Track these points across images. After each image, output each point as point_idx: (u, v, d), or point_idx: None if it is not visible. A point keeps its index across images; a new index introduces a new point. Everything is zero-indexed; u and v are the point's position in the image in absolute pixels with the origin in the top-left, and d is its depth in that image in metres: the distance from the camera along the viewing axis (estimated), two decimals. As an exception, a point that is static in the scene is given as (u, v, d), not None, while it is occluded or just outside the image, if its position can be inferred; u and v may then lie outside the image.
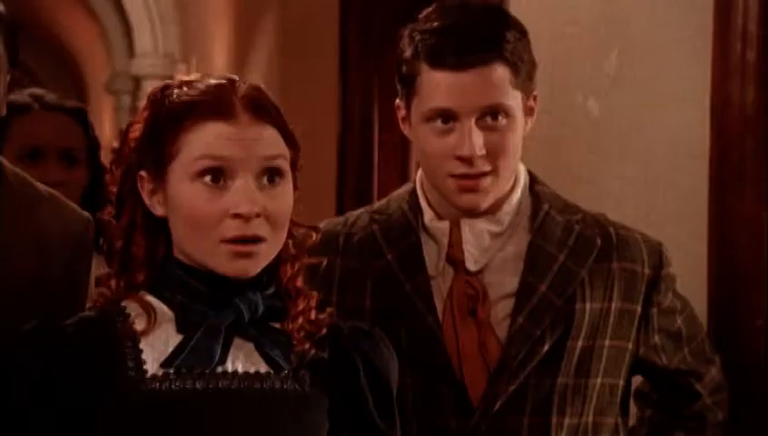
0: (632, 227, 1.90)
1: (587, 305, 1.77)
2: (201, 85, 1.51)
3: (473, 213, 1.77)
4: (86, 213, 2.00)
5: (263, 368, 1.51)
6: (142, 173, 1.53)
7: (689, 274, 2.09)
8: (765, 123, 2.03)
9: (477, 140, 1.71)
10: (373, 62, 4.06)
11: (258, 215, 1.47)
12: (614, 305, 1.79)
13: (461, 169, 1.72)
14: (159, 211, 1.53)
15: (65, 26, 11.10)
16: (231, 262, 1.48)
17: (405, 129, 1.81)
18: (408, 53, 1.76)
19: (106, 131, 10.48)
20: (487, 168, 1.73)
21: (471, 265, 1.78)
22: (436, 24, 1.74)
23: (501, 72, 1.72)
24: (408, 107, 1.78)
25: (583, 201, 2.24)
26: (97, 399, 1.48)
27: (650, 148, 2.37)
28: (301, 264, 1.57)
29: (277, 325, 1.54)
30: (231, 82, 1.52)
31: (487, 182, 1.74)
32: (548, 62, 2.65)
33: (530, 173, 1.86)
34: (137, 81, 8.33)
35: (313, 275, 1.66)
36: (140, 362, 1.50)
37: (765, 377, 2.02)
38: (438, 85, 1.72)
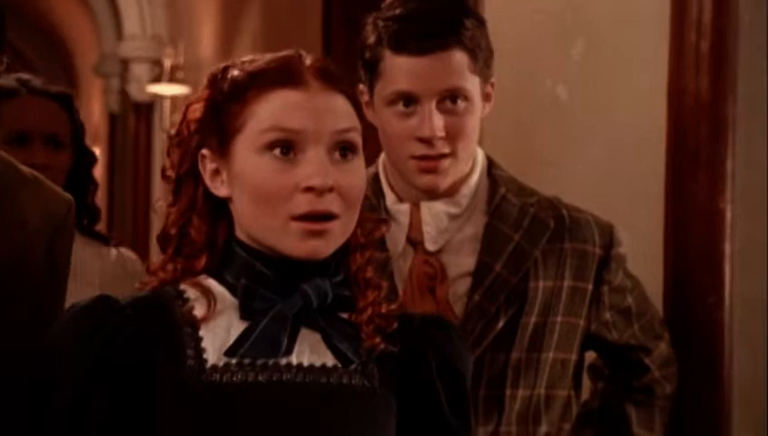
0: (585, 209, 1.96)
1: (540, 283, 1.85)
2: (265, 58, 1.44)
3: (433, 194, 1.84)
4: (68, 195, 2.06)
5: (330, 360, 1.41)
6: (204, 151, 1.44)
7: (646, 254, 2.17)
8: (719, 111, 2.11)
9: (438, 122, 1.78)
10: (356, 49, 4.12)
11: (331, 190, 1.38)
12: (566, 283, 1.86)
13: (422, 150, 1.79)
14: (222, 191, 1.43)
15: (54, 8, 11.10)
16: (301, 242, 1.38)
17: (368, 114, 1.86)
18: (371, 39, 1.83)
19: (95, 113, 10.50)
20: (447, 150, 1.80)
21: (430, 245, 1.84)
22: (398, 11, 1.81)
23: (460, 57, 1.79)
24: (371, 92, 1.85)
25: (549, 182, 2.32)
26: (154, 383, 1.39)
27: (613, 133, 2.44)
28: (371, 255, 1.48)
29: (345, 316, 1.44)
30: (298, 52, 1.45)
31: (446, 163, 1.81)
32: (518, 48, 2.73)
33: (488, 158, 1.93)
34: (125, 63, 8.34)
35: None
36: (200, 351, 1.40)
37: (715, 350, 2.11)
38: (400, 70, 1.78)
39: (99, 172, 10.64)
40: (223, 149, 1.42)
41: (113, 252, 2.63)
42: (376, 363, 1.43)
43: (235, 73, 1.43)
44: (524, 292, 1.84)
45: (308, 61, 1.42)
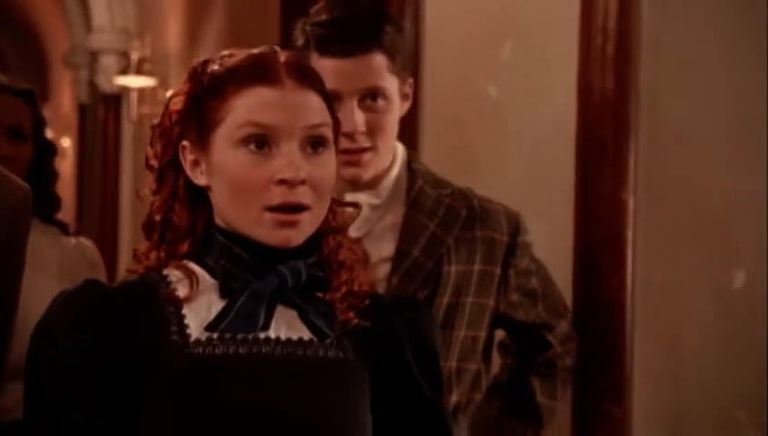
0: (509, 199, 2.13)
1: (453, 267, 2.01)
2: (241, 54, 1.49)
3: (356, 184, 1.99)
4: (25, 184, 2.21)
5: (306, 335, 1.48)
6: (185, 143, 1.50)
7: (559, 240, 2.36)
8: (623, 108, 2.29)
9: (359, 118, 1.93)
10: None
11: (303, 182, 1.44)
12: (476, 267, 2.02)
13: (345, 144, 1.91)
14: (201, 180, 1.50)
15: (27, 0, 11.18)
16: (274, 232, 1.45)
17: None
18: (300, 42, 1.98)
19: (66, 104, 10.59)
20: (367, 144, 1.95)
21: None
22: (324, 17, 1.97)
23: (379, 59, 1.95)
24: None
25: (483, 171, 2.51)
26: (141, 361, 1.45)
27: (534, 129, 2.62)
28: (343, 238, 1.55)
29: (320, 295, 1.51)
30: (273, 49, 1.50)
31: (367, 156, 1.96)
32: (457, 51, 2.92)
33: (408, 152, 2.09)
34: (94, 55, 8.40)
35: None
36: (183, 327, 1.46)
37: (618, 326, 2.30)
38: (325, 70, 1.87)
39: (69, 162, 10.67)
40: (202, 141, 1.48)
41: (72, 240, 2.75)
42: (350, 338, 1.49)
43: (215, 68, 1.49)
44: (438, 276, 2.00)
45: (282, 58, 1.48)
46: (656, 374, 2.33)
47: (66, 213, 9.66)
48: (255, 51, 1.49)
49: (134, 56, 7.35)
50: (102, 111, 8.39)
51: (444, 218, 2.03)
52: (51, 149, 2.88)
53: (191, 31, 6.84)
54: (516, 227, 2.07)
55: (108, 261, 2.89)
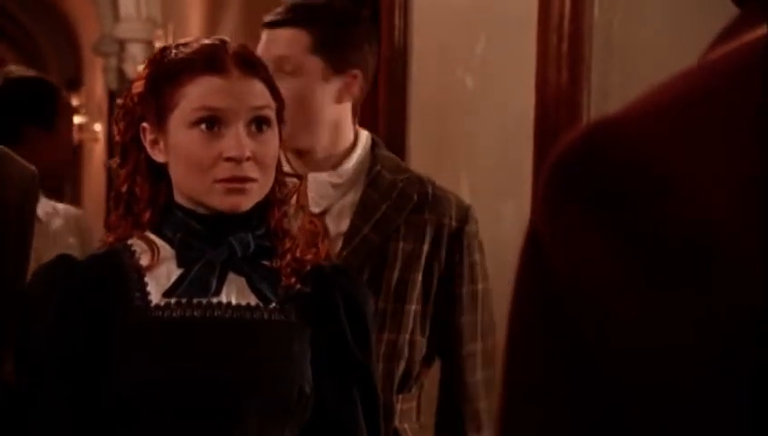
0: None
1: (401, 245, 2.14)
2: (195, 45, 1.66)
3: (316, 167, 2.15)
4: (33, 166, 2.47)
5: (253, 300, 1.64)
6: (144, 124, 1.65)
7: (522, 214, 2.58)
8: (576, 100, 2.43)
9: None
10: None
11: (248, 159, 1.59)
12: (424, 248, 2.15)
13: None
14: (160, 157, 1.65)
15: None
16: (224, 198, 1.60)
17: None
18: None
19: (98, 91, 10.83)
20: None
21: (313, 208, 2.14)
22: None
23: (297, 34, 2.12)
24: None
25: (460, 152, 2.70)
26: (108, 325, 1.60)
27: (504, 114, 2.80)
28: (287, 208, 1.73)
29: (267, 263, 1.67)
30: (222, 41, 1.67)
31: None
32: (439, 44, 3.12)
33: (373, 139, 2.24)
34: (122, 44, 8.61)
35: None
36: (145, 293, 1.62)
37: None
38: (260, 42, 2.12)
39: (100, 146, 10.85)
40: (160, 123, 1.64)
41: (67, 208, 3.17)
42: (292, 302, 1.66)
43: (171, 57, 1.66)
44: (386, 252, 2.12)
45: (230, 50, 1.65)
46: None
47: (99, 191, 9.85)
48: (207, 41, 1.68)
49: (157, 45, 7.55)
50: (128, 98, 8.60)
51: (396, 200, 2.17)
52: None
53: (210, 20, 7.05)
54: (465, 215, 2.19)
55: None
